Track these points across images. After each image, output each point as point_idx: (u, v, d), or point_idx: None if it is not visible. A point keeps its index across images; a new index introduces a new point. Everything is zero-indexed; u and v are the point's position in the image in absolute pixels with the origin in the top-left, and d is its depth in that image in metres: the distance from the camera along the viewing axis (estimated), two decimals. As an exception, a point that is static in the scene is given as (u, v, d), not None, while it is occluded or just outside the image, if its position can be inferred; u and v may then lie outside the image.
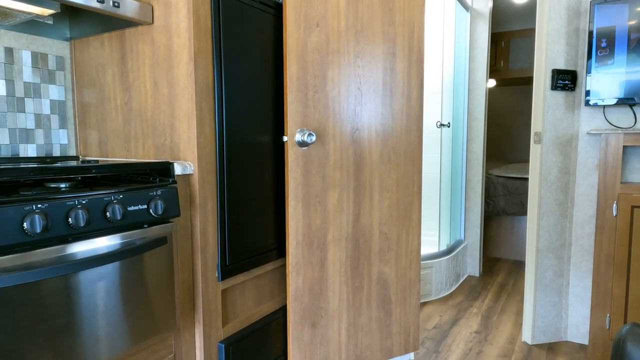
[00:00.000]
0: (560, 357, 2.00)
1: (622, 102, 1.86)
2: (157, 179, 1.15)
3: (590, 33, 1.90)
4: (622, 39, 1.84)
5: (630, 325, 0.86)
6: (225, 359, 1.36)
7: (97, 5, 1.16)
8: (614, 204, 1.84)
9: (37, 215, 0.85)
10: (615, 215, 1.84)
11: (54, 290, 0.91)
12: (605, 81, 1.89)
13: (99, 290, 0.99)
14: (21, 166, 0.93)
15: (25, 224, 0.85)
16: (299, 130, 1.48)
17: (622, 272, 1.84)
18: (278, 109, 1.53)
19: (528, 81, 4.45)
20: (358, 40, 1.60)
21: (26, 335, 0.87)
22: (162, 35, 1.28)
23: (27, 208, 0.86)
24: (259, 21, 1.41)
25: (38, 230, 0.86)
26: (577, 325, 2.14)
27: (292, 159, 1.48)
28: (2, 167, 0.90)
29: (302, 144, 1.48)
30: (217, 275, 1.34)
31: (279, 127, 1.54)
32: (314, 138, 1.47)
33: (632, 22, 1.82)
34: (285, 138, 1.47)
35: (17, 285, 0.84)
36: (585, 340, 2.12)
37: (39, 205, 0.88)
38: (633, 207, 1.80)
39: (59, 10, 1.21)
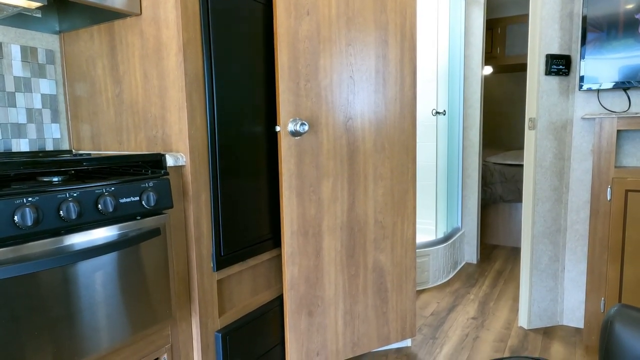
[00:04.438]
0: (556, 341, 2.02)
1: (617, 86, 1.86)
2: (149, 171, 1.15)
3: (584, 18, 1.89)
4: (616, 23, 1.83)
5: (619, 306, 0.87)
6: (222, 349, 1.38)
7: (84, -4, 1.16)
8: (608, 189, 1.85)
9: (27, 209, 0.86)
10: (610, 200, 1.85)
11: (48, 282, 0.91)
12: (600, 66, 1.88)
13: (94, 282, 1.00)
14: (12, 160, 0.93)
15: (16, 217, 0.85)
16: (291, 119, 1.48)
17: (617, 256, 1.85)
18: (270, 98, 1.53)
19: (525, 67, 4.42)
20: (349, 27, 1.59)
21: (23, 327, 0.88)
22: (150, 26, 1.27)
23: (18, 201, 0.86)
24: (249, 10, 1.40)
25: (29, 223, 0.86)
26: (572, 309, 2.16)
27: (285, 148, 1.49)
28: (-8, 161, 0.90)
29: (295, 133, 1.48)
30: (212, 265, 1.35)
31: (272, 117, 1.54)
32: (306, 127, 1.46)
33: (627, 6, 1.81)
34: (278, 128, 1.47)
35: (10, 277, 0.85)
36: (580, 324, 2.14)
37: (30, 199, 0.88)
38: (627, 191, 1.81)
39: (46, 3, 1.21)
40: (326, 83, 1.55)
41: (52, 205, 0.91)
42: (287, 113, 1.47)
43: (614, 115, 1.81)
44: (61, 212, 0.92)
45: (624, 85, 1.85)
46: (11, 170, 0.90)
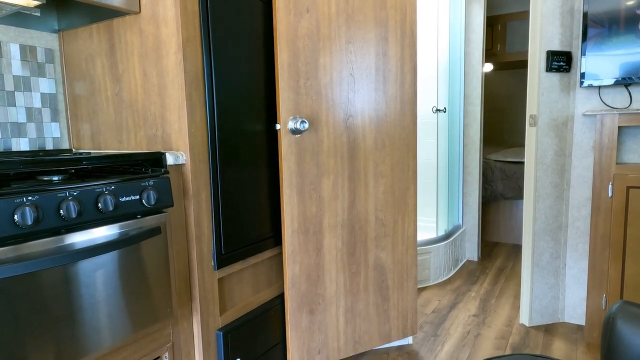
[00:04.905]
0: (557, 338, 2.02)
1: (618, 82, 1.85)
2: (149, 170, 1.15)
3: (585, 14, 1.88)
4: (617, 19, 1.82)
5: (621, 303, 0.86)
6: (223, 347, 1.38)
7: (82, -5, 1.15)
8: (610, 185, 1.84)
9: (27, 208, 0.86)
10: (611, 196, 1.84)
11: (49, 281, 0.91)
12: (601, 62, 1.87)
13: (94, 281, 1.00)
14: (12, 159, 0.93)
15: (16, 216, 0.85)
16: (291, 117, 1.47)
17: (618, 253, 1.85)
18: (270, 96, 1.52)
19: (525, 64, 4.41)
20: (349, 25, 1.58)
21: (24, 326, 0.87)
22: (149, 24, 1.26)
23: (18, 200, 0.86)
24: (248, 8, 1.40)
25: (29, 222, 0.86)
26: (573, 306, 2.15)
27: (286, 146, 1.48)
28: (-8, 160, 0.90)
29: (295, 131, 1.47)
30: (213, 264, 1.35)
31: (272, 115, 1.53)
32: (306, 125, 1.46)
33: (627, 2, 1.80)
34: (278, 126, 1.47)
35: (11, 277, 0.85)
36: (582, 321, 2.14)
37: (30, 198, 0.88)
38: (628, 187, 1.80)
39: (45, 2, 1.20)
40: (326, 81, 1.55)
41: (52, 204, 0.91)
42: (287, 111, 1.47)
43: (615, 112, 1.81)
44: (61, 211, 0.92)
45: (625, 82, 1.84)
46: (11, 170, 0.90)
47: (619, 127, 1.92)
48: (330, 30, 1.54)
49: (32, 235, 0.90)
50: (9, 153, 1.37)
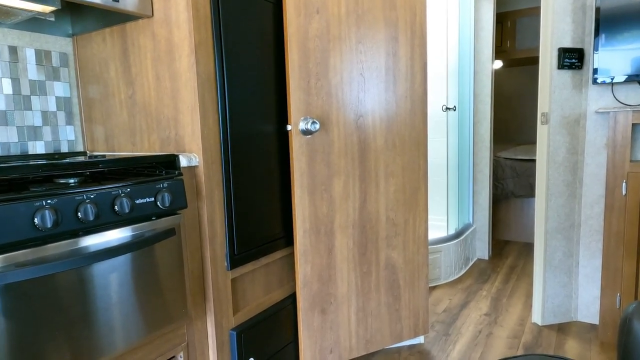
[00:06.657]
0: (571, 338, 2.01)
1: (631, 79, 1.83)
2: (163, 172, 1.17)
3: (597, 9, 1.86)
4: (630, 14, 1.80)
5: (637, 304, 0.86)
6: (237, 346, 1.39)
7: (96, 0, 1.17)
8: (623, 183, 1.82)
9: (47, 211, 0.87)
10: (625, 194, 1.82)
11: (67, 283, 0.93)
12: (613, 58, 1.85)
13: (111, 282, 1.01)
14: (30, 163, 0.95)
15: (36, 219, 0.87)
16: (302, 118, 1.48)
17: (632, 251, 1.83)
18: (281, 98, 1.53)
19: (536, 61, 4.37)
20: (359, 25, 1.59)
21: (43, 327, 0.89)
22: (162, 28, 1.28)
23: (38, 204, 0.88)
24: (259, 10, 1.41)
25: (49, 225, 0.88)
26: (587, 305, 2.14)
27: (297, 147, 1.49)
28: (12, 164, 0.92)
29: (306, 132, 1.48)
30: (226, 264, 1.36)
31: (283, 116, 1.54)
32: (317, 126, 1.47)
33: (641, -4, 1.77)
34: (289, 127, 1.47)
35: (31, 279, 0.87)
36: (595, 320, 2.12)
37: (49, 201, 0.90)
38: (643, 185, 1.78)
39: (60, 7, 1.22)
40: (337, 81, 1.55)
41: (71, 207, 0.93)
42: (298, 112, 1.48)
43: (629, 109, 1.79)
44: (79, 213, 0.94)
45: (638, 78, 1.82)
46: (30, 174, 0.92)
47: (633, 124, 1.89)
48: (341, 30, 1.54)
49: (51, 237, 0.92)
50: (25, 156, 1.40)
